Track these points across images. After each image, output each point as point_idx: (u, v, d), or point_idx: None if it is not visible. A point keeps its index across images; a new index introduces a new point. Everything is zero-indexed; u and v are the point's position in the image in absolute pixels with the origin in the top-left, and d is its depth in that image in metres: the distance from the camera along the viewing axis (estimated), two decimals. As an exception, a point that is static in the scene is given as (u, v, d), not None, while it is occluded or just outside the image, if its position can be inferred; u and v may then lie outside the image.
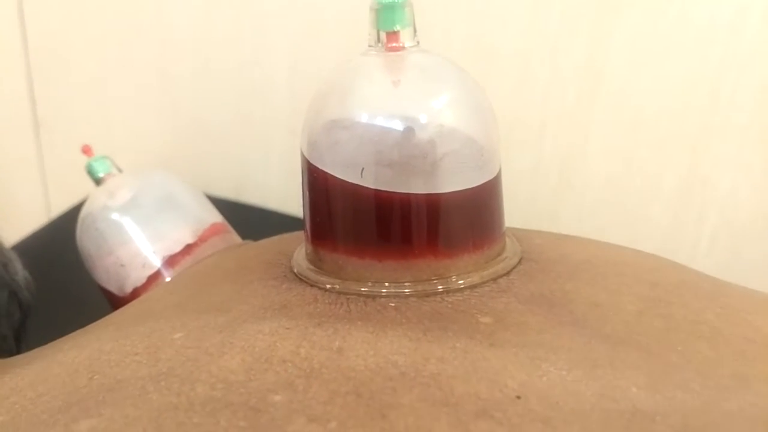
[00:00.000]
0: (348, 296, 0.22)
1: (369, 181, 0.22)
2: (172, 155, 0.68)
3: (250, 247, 0.31)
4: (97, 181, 0.36)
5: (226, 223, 0.36)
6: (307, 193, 0.25)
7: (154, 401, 0.18)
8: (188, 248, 0.33)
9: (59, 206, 0.73)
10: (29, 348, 0.40)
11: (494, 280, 0.23)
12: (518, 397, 0.17)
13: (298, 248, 0.27)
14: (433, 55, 0.24)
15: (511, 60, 0.54)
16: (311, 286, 0.24)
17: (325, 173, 0.23)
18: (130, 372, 0.20)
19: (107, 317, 0.28)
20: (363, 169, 0.22)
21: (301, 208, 0.26)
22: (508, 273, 0.24)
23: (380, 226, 0.23)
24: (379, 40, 0.24)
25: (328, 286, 0.23)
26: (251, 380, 0.18)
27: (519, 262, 0.24)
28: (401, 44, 0.24)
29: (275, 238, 0.31)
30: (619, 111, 0.53)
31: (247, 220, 0.45)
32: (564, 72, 0.53)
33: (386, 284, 0.23)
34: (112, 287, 0.34)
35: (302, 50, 0.60)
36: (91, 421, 0.18)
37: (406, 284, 0.23)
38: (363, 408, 0.17)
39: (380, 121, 0.22)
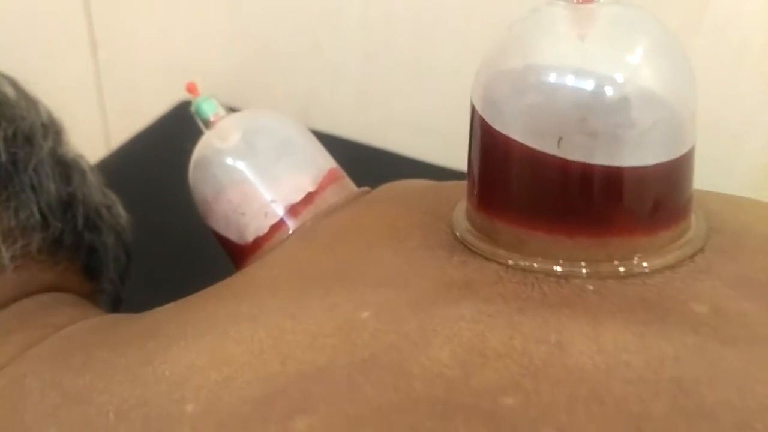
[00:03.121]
0: (535, 275, 0.21)
1: (567, 152, 0.20)
2: (237, 78, 0.66)
3: (385, 203, 0.29)
4: (206, 123, 0.35)
5: (339, 167, 0.34)
6: (478, 155, 0.23)
7: (372, 398, 0.17)
8: (309, 197, 0.32)
9: (118, 129, 0.72)
10: (131, 290, 0.39)
11: (691, 258, 0.21)
12: None
13: (455, 212, 0.25)
14: (629, 6, 0.22)
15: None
16: (487, 260, 0.22)
17: (508, 138, 0.21)
18: (327, 358, 0.19)
19: (246, 276, 0.27)
20: (561, 138, 0.20)
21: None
22: (702, 249, 0.22)
23: (575, 200, 0.21)
24: (566, -12, 0.22)
25: (510, 261, 0.22)
26: (470, 377, 0.17)
27: (708, 236, 0.23)
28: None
29: (407, 193, 0.30)
30: (722, 43, 0.50)
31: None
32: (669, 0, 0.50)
33: (580, 263, 0.21)
34: (232, 235, 0.32)
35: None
36: (308, 418, 0.17)
37: (601, 263, 0.21)
38: (612, 418, 0.16)
39: (582, 84, 0.20)
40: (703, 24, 0.50)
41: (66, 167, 0.33)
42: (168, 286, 0.47)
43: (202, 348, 0.21)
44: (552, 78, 0.21)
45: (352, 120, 0.65)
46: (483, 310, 0.19)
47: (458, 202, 0.26)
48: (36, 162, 0.31)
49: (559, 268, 0.21)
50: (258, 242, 0.32)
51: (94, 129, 0.72)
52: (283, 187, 0.32)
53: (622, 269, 0.21)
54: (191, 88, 0.35)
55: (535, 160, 0.21)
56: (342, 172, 0.34)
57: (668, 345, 0.18)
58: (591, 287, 0.20)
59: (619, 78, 0.21)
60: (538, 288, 0.20)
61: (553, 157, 0.21)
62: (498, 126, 0.22)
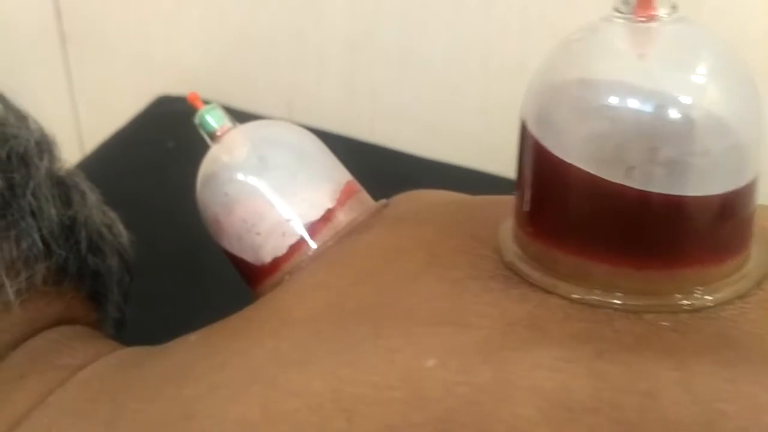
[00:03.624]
0: (605, 311, 0.20)
1: (637, 181, 0.19)
2: (216, 70, 0.64)
3: (415, 222, 0.28)
4: (212, 136, 0.33)
5: (355, 180, 0.33)
6: (531, 178, 0.22)
7: None
8: (329, 213, 0.30)
9: (91, 127, 0.69)
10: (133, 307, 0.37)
11: (758, 285, 0.21)
12: None
13: (499, 236, 0.24)
14: (692, 25, 0.21)
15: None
16: (547, 292, 0.21)
17: (570, 165, 0.20)
18: (399, 416, 0.18)
19: (275, 306, 0.26)
20: (632, 168, 0.19)
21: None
22: (766, 275, 0.21)
23: (645, 231, 0.20)
24: (626, 1, 0.21)
25: (574, 295, 0.21)
26: None
27: (768, 258, 0.22)
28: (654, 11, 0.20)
29: (436, 210, 0.28)
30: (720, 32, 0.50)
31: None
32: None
33: (649, 296, 0.20)
34: (247, 256, 0.31)
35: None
36: None
37: (670, 296, 0.20)
38: None
39: (649, 108, 0.19)
40: (701, 12, 0.49)
41: (65, 188, 0.31)
42: (161, 298, 0.45)
43: (252, 400, 0.20)
44: (615, 101, 0.20)
45: (339, 113, 0.63)
46: (559, 356, 0.18)
47: (497, 222, 0.25)
48: (34, 185, 0.29)
49: (628, 302, 0.20)
50: (276, 263, 0.30)
51: (65, 127, 0.69)
52: (301, 204, 0.31)
53: (692, 302, 0.20)
54: (193, 99, 0.33)
55: (601, 189, 0.20)
56: (358, 185, 0.33)
57: (761, 390, 0.17)
58: (666, 323, 0.19)
59: (686, 100, 0.20)
60: (611, 326, 0.20)
61: (622, 186, 0.19)
62: (558, 152, 0.21)
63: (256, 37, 0.62)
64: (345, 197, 0.31)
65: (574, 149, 0.20)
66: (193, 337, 0.27)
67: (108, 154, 0.59)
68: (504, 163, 0.58)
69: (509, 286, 0.22)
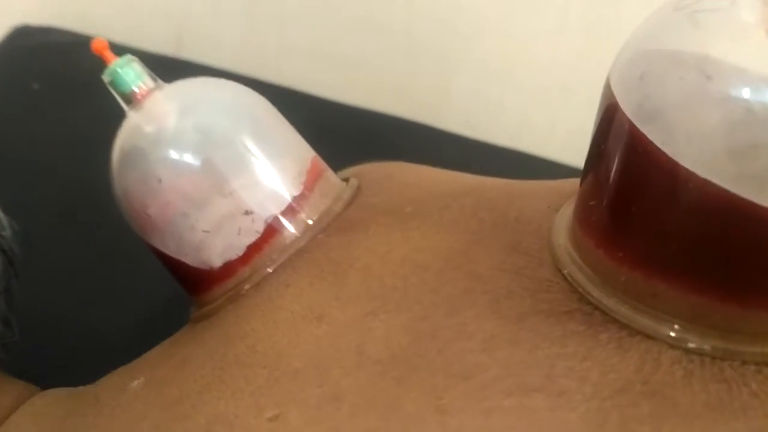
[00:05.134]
0: (731, 365, 0.16)
1: (797, 207, 0.15)
2: (91, 2, 0.53)
3: (423, 222, 0.22)
4: (127, 99, 0.25)
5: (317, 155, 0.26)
6: (620, 184, 0.17)
7: None
8: (297, 202, 0.24)
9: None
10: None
11: None
12: None
13: (558, 252, 0.18)
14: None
15: None
16: (648, 337, 0.16)
17: (695, 177, 0.15)
18: None
19: (252, 345, 0.20)
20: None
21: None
22: None
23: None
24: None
25: (691, 345, 0.16)
26: None
27: None
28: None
29: (451, 207, 0.22)
30: None
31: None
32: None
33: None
34: (189, 258, 0.24)
35: None
36: None
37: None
38: None
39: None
40: None
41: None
42: (49, 300, 0.37)
43: None
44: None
45: (237, 48, 0.55)
46: None
47: (540, 228, 0.20)
48: None
49: (755, 349, 0.16)
50: (230, 267, 0.24)
51: None
52: (259, 192, 0.24)
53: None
54: (100, 48, 0.25)
55: (743, 214, 0.15)
56: (323, 162, 0.26)
57: None
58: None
59: None
60: (746, 388, 0.15)
61: (769, 210, 0.15)
62: (680, 158, 0.15)
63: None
64: (312, 180, 0.25)
65: (704, 157, 0.15)
66: (134, 384, 0.20)
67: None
68: (432, 111, 0.53)
69: (595, 328, 0.17)
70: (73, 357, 0.33)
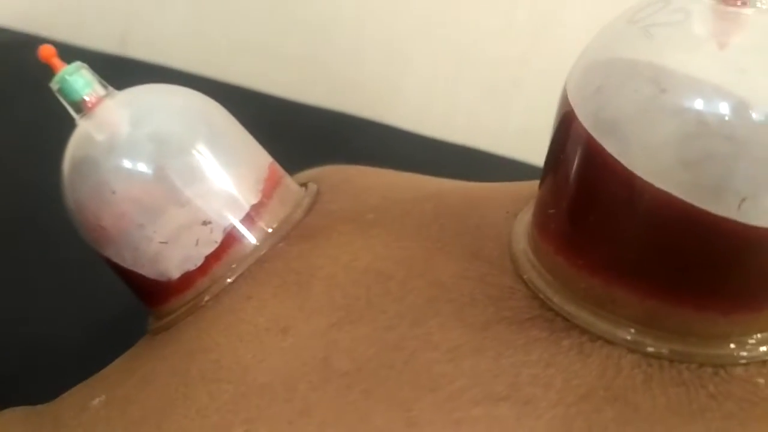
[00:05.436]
0: (688, 367, 0.16)
1: (750, 216, 0.15)
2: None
3: (384, 229, 0.22)
4: (77, 107, 0.24)
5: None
6: (578, 192, 0.17)
7: None
8: (255, 210, 0.24)
9: None
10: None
11: None
12: None
13: (518, 259, 0.19)
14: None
15: None
16: (607, 342, 0.17)
17: (650, 187, 0.16)
18: None
19: (204, 357, 0.19)
20: (744, 199, 0.15)
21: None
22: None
23: (751, 273, 0.16)
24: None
25: (650, 349, 0.16)
26: None
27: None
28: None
29: (412, 213, 0.22)
30: None
31: (136, 81, 0.34)
32: None
33: (730, 345, 0.16)
34: (146, 270, 0.23)
35: None
36: None
37: (757, 345, 0.16)
38: None
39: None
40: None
41: None
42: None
43: None
44: (729, 112, 0.15)
45: (185, 46, 0.54)
46: None
47: (501, 234, 0.20)
48: None
49: (709, 351, 0.16)
50: (188, 278, 0.23)
51: None
52: (217, 201, 0.24)
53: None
54: (47, 56, 0.24)
55: (698, 222, 0.15)
56: (281, 168, 0.26)
57: None
58: (761, 381, 0.16)
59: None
60: (703, 390, 0.16)
61: (727, 221, 0.15)
62: (636, 168, 0.16)
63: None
64: (271, 187, 0.25)
65: (659, 167, 0.15)
66: (95, 402, 0.19)
67: None
68: (383, 108, 0.53)
69: (556, 334, 0.17)
70: (24, 368, 0.32)
